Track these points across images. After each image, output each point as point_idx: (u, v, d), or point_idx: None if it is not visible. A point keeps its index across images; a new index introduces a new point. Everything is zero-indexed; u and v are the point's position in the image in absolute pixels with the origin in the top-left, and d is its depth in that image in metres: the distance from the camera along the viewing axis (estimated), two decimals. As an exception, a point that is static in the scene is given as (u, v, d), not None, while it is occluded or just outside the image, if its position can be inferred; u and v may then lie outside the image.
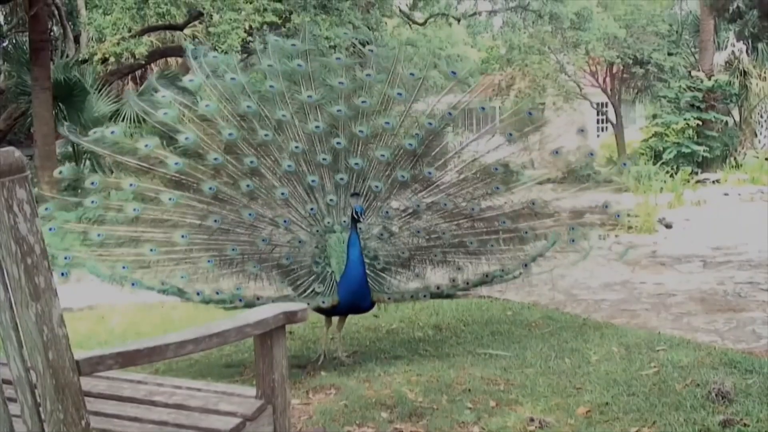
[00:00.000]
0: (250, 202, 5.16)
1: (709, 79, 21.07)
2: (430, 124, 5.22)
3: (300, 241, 5.13)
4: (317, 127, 5.12)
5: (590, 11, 22.92)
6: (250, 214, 5.09)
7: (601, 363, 4.68)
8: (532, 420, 3.77)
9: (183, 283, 5.03)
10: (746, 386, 4.05)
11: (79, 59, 16.52)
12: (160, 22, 15.23)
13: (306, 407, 4.22)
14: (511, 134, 5.43)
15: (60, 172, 5.36)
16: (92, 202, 5.09)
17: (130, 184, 5.10)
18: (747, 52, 22.08)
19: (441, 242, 5.26)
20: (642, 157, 21.21)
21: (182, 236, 5.01)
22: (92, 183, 5.13)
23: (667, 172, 18.47)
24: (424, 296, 5.23)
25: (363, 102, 5.15)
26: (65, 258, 4.89)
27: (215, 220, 5.05)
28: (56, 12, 16.41)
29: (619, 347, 4.99)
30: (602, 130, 31.40)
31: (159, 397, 2.46)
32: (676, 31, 26.06)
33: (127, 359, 2.00)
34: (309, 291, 4.99)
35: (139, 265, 5.03)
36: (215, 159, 5.07)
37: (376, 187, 5.14)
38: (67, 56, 16.82)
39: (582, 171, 5.55)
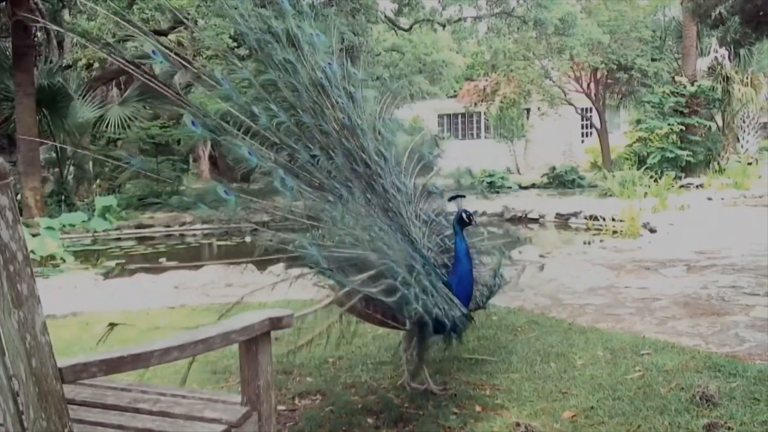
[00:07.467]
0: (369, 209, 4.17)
1: (693, 84, 21.30)
2: None
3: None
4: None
5: (574, 17, 23.16)
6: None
7: (587, 367, 4.70)
8: (518, 425, 3.78)
9: None
10: (730, 390, 4.09)
11: (63, 65, 16.47)
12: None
13: (292, 413, 4.21)
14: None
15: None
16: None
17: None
18: (729, 57, 22.36)
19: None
20: (626, 162, 21.42)
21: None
22: (225, 192, 3.64)
23: (651, 176, 18.64)
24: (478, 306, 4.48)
25: None
26: None
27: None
28: (40, 17, 16.35)
29: (604, 351, 5.01)
30: (587, 135, 31.66)
31: (143, 404, 2.45)
32: (660, 37, 26.34)
33: (111, 367, 1.99)
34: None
35: None
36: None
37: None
38: (51, 62, 16.77)
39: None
